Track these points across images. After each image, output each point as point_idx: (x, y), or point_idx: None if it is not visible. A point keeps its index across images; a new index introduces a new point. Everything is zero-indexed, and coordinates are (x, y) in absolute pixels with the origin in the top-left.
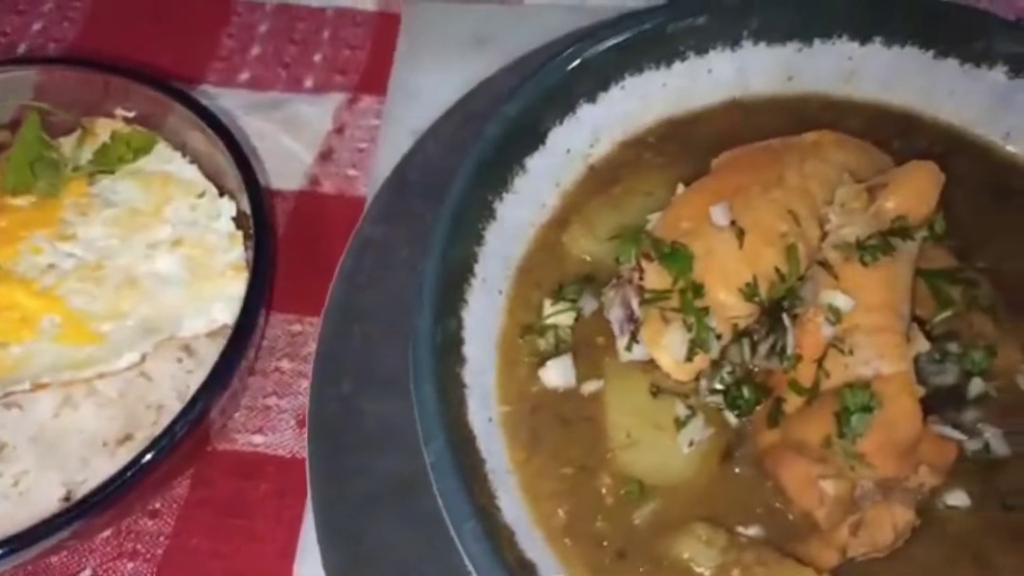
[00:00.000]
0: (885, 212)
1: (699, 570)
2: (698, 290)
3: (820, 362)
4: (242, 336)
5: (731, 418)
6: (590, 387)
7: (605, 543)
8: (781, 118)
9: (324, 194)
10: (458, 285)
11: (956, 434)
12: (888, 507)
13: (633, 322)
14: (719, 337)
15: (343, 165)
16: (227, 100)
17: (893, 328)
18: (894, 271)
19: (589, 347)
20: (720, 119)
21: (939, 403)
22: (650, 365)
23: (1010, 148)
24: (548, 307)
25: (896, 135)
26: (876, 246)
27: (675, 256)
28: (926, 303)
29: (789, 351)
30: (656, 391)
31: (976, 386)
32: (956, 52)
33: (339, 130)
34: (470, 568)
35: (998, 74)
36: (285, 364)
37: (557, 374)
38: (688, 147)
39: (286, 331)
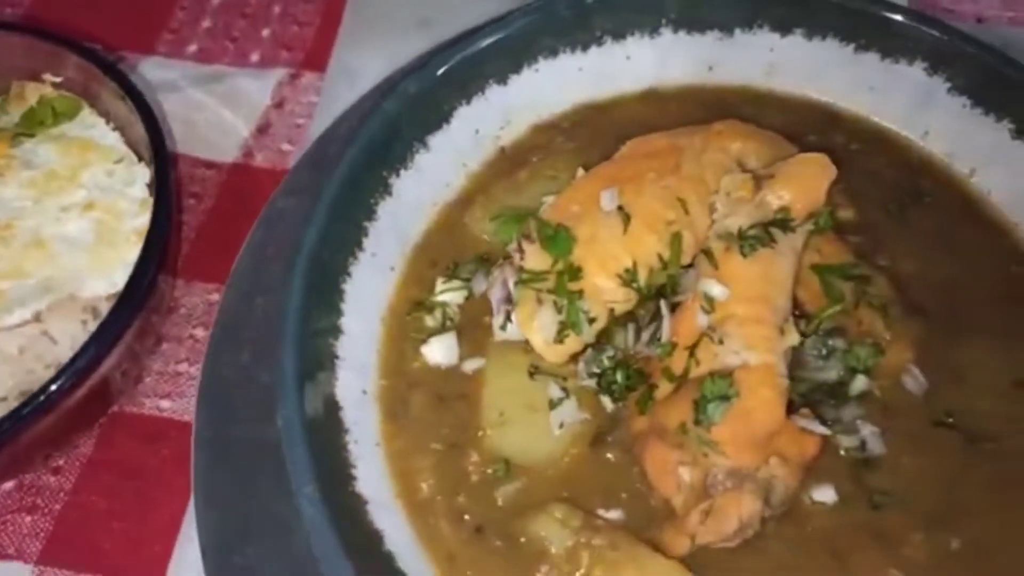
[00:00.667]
0: (769, 203)
1: (552, 549)
2: (575, 273)
3: (692, 350)
4: (130, 298)
5: (607, 403)
6: (472, 365)
7: (465, 518)
8: (699, 109)
9: (257, 167)
10: (341, 258)
11: (820, 428)
12: (737, 496)
13: (509, 302)
14: (593, 320)
15: (279, 140)
16: (173, 72)
17: (765, 320)
18: (773, 263)
19: (476, 326)
20: (637, 107)
21: (820, 398)
22: (530, 346)
23: (927, 148)
24: (440, 285)
25: (814, 130)
26: (756, 237)
27: (556, 238)
28: (819, 298)
29: (663, 338)
30: (534, 372)
31: (860, 383)
32: (877, 46)
33: (278, 105)
34: (308, 532)
35: (917, 70)
36: (200, 332)
37: (440, 351)
38: (601, 134)
39: (205, 300)
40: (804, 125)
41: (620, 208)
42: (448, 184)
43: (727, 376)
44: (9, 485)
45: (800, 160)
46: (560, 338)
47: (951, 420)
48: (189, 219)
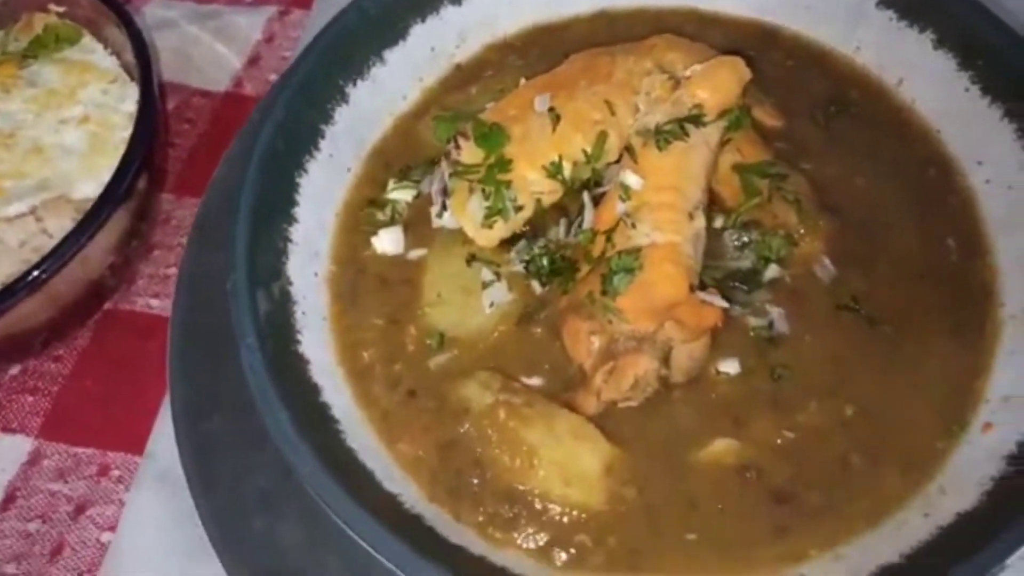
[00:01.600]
0: (684, 101)
1: (474, 408)
2: (505, 165)
3: (609, 234)
4: (111, 194)
5: (536, 287)
6: (416, 254)
7: (399, 383)
8: (645, 28)
9: (246, 95)
10: (298, 153)
11: (719, 301)
12: (635, 357)
13: (445, 193)
14: (520, 209)
15: (267, 71)
16: (174, 11)
17: (674, 206)
18: (686, 156)
19: (422, 221)
20: (587, 28)
21: (734, 284)
22: (468, 237)
23: (858, 61)
24: (391, 185)
25: (753, 48)
26: (670, 131)
27: (489, 135)
28: (739, 195)
29: (585, 225)
30: (471, 260)
31: (771, 271)
32: None
33: (268, 39)
34: (247, 375)
35: None
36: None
37: (388, 242)
38: (551, 52)
39: (193, 212)
40: (743, 43)
41: (551, 110)
42: (405, 96)
43: (634, 252)
44: (15, 370)
45: (715, 62)
46: (489, 223)
47: (855, 305)
48: (182, 142)
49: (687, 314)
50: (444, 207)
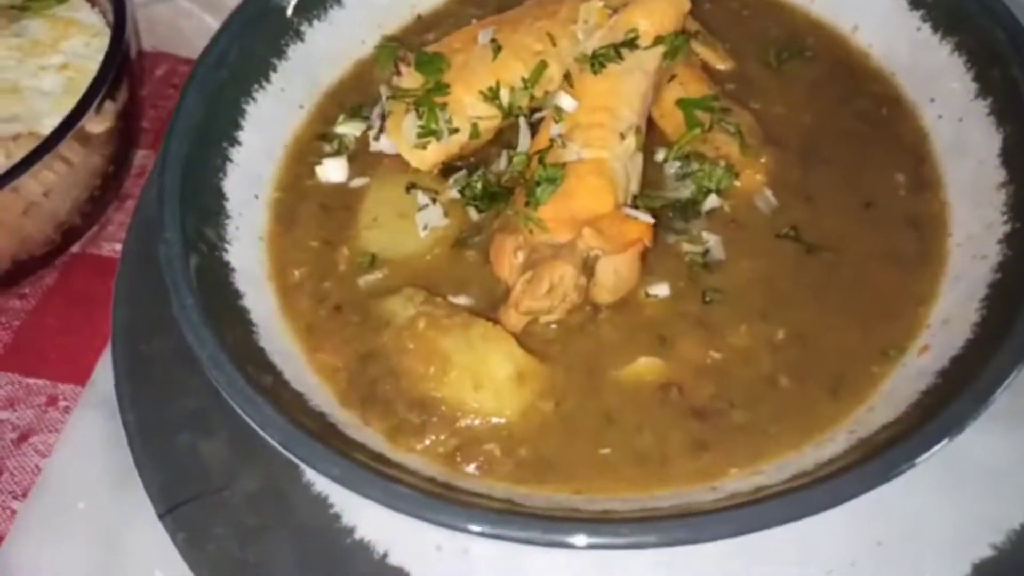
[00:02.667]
0: (619, 27)
1: (396, 318)
2: (442, 89)
3: (541, 155)
4: (69, 122)
5: (473, 213)
6: (358, 183)
7: (327, 299)
8: None
9: None
10: (246, 81)
11: (645, 217)
12: (551, 263)
13: (383, 117)
14: (456, 132)
15: None
16: None
17: (605, 125)
18: (620, 79)
19: (368, 154)
20: None
21: (673, 214)
22: (410, 168)
23: (814, 9)
24: (341, 119)
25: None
26: (603, 55)
27: (429, 61)
28: (682, 130)
29: (519, 147)
30: (411, 187)
31: (711, 201)
32: None
33: None
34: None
35: None
36: None
37: (331, 170)
38: (510, 4)
39: None
40: None
41: (493, 42)
42: (363, 42)
43: (559, 165)
44: None
45: None
46: (422, 143)
47: (795, 234)
48: (166, 104)
49: (609, 225)
50: (381, 130)
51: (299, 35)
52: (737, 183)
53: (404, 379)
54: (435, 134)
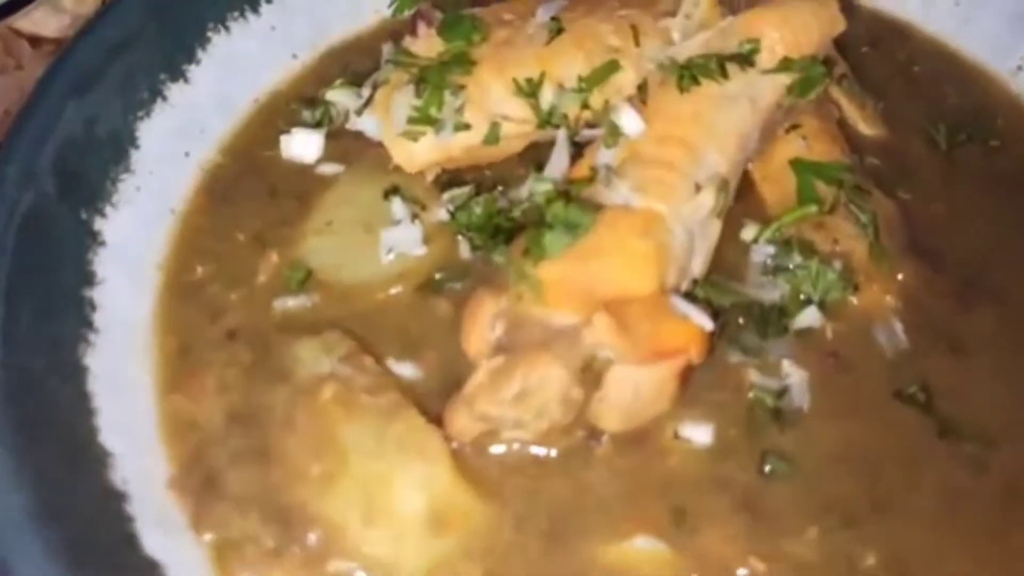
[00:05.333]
0: (735, 32)
1: (300, 372)
2: (464, 64)
3: (573, 187)
4: None
5: (464, 247)
6: (328, 168)
7: (223, 316)
8: None
9: None
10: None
11: (703, 320)
12: (536, 355)
13: (375, 85)
14: (466, 128)
15: None
16: None
17: (675, 167)
18: (715, 107)
19: (353, 136)
20: None
21: (747, 320)
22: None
23: (1016, 84)
24: (338, 84)
25: (875, 41)
26: (701, 67)
27: (458, 23)
28: (790, 202)
29: (548, 172)
30: (391, 192)
31: (808, 316)
32: None
33: None
34: None
35: None
36: None
37: (300, 145)
38: None
39: None
40: (865, 35)
41: (555, 20)
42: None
43: (589, 209)
44: None
45: None
46: (413, 132)
47: (923, 398)
48: None
49: (641, 317)
50: (367, 104)
51: None
52: (854, 300)
53: (276, 469)
54: (433, 123)
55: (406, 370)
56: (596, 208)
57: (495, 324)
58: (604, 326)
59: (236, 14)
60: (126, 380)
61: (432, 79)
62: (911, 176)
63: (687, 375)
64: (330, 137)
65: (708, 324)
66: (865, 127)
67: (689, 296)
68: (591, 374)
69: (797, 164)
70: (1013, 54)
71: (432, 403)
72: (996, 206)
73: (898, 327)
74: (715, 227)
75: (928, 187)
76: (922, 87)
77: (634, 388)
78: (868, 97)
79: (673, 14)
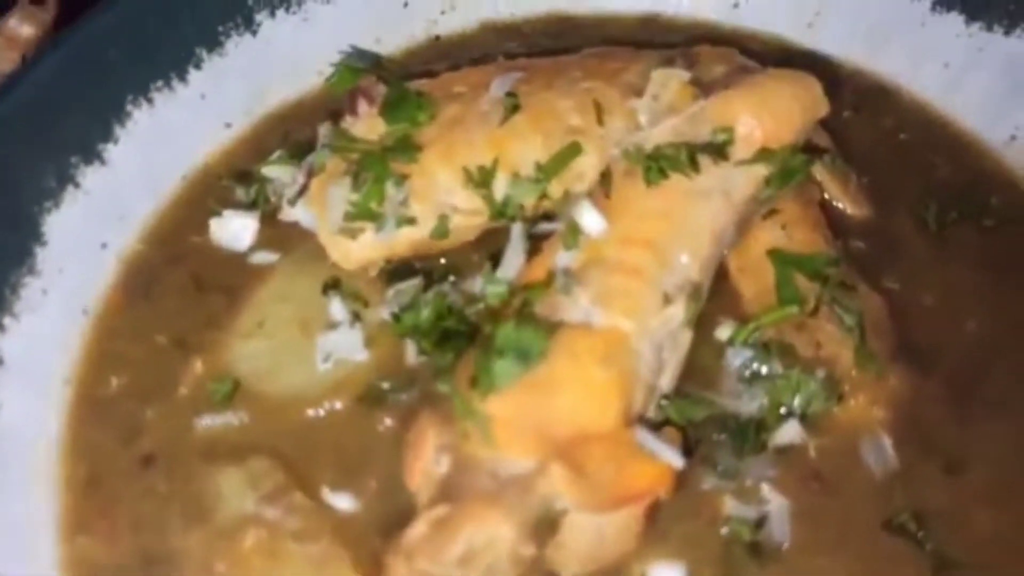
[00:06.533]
0: (707, 118)
1: (220, 512)
2: (408, 150)
3: (527, 295)
4: None
5: (411, 352)
6: (262, 258)
7: (138, 438)
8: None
9: None
10: (142, 69)
11: (671, 457)
12: (483, 510)
13: (311, 171)
14: (410, 222)
15: None
16: None
17: (642, 273)
18: (685, 203)
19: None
20: (630, 30)
21: (721, 436)
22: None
23: (1009, 155)
24: (276, 156)
25: (857, 105)
26: (669, 159)
27: (402, 102)
28: (768, 297)
29: (502, 273)
30: (331, 286)
31: (788, 431)
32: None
33: None
34: None
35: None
36: None
37: (230, 229)
38: (567, 51)
39: None
40: (848, 98)
41: (510, 95)
42: (349, 54)
43: (543, 328)
44: None
45: (773, 75)
46: (351, 229)
47: (916, 527)
48: None
49: (602, 460)
50: (301, 193)
51: (250, 23)
52: (838, 411)
53: None
54: (374, 219)
55: (343, 502)
56: (552, 328)
57: (440, 458)
58: (560, 478)
59: (160, 84)
60: (23, 521)
61: (372, 168)
62: (899, 261)
63: (655, 510)
64: (265, 221)
65: (678, 462)
66: (850, 206)
67: (660, 422)
68: (547, 524)
69: (776, 256)
70: (1006, 122)
71: (371, 540)
72: (992, 296)
73: (887, 443)
74: (686, 337)
75: (918, 274)
76: (910, 158)
77: (595, 532)
78: (852, 172)
79: (640, 88)
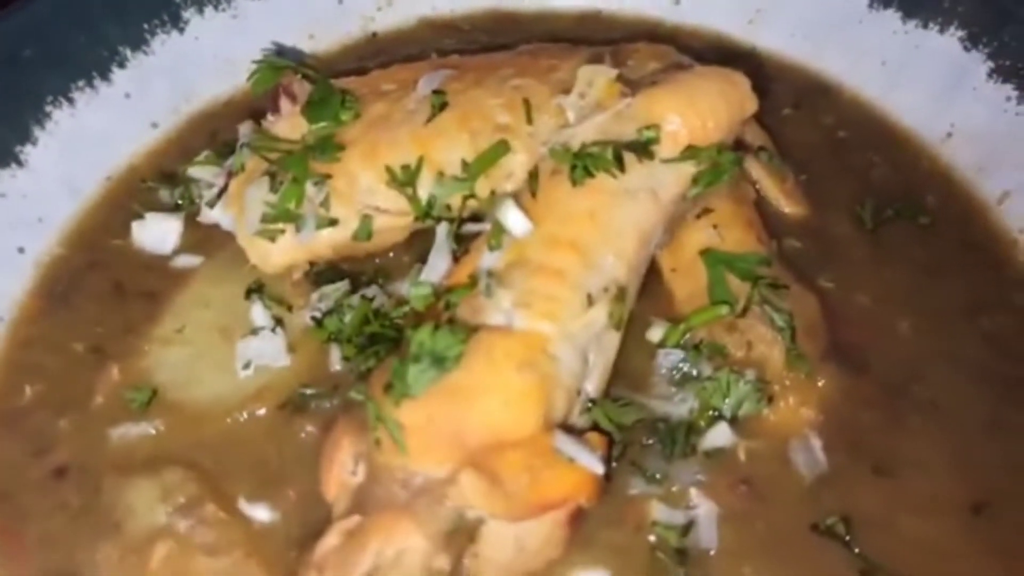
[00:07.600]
0: (634, 115)
1: (132, 524)
2: (329, 149)
3: (449, 297)
4: None
5: (335, 357)
6: (185, 261)
7: (52, 450)
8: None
9: None
10: (60, 71)
11: (591, 462)
12: (392, 520)
13: (230, 172)
14: (332, 224)
15: None
16: None
17: (565, 276)
18: (612, 203)
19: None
20: (568, 26)
21: (651, 440)
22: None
23: (945, 152)
24: (203, 157)
25: (799, 103)
26: (595, 156)
27: (325, 101)
28: (700, 299)
29: (426, 275)
30: (254, 291)
31: (718, 434)
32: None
33: None
34: None
35: (952, 40)
36: None
37: (152, 233)
38: (505, 47)
39: None
40: (787, 95)
41: (438, 93)
42: (281, 51)
43: (460, 332)
44: None
45: (701, 72)
46: (269, 231)
47: (843, 530)
48: None
49: (517, 467)
50: (220, 194)
51: (177, 21)
52: (768, 413)
53: None
54: (292, 221)
55: (260, 513)
56: (470, 331)
57: (356, 466)
58: (470, 487)
59: (81, 83)
60: None
61: (292, 168)
62: (834, 260)
63: (578, 517)
64: (190, 223)
65: (598, 467)
66: (786, 204)
67: (589, 428)
68: (462, 534)
69: (708, 256)
70: (943, 119)
71: (288, 552)
72: (926, 296)
73: (816, 445)
74: (612, 339)
75: (852, 273)
76: (848, 156)
77: (515, 541)
78: (789, 170)
79: (571, 86)
